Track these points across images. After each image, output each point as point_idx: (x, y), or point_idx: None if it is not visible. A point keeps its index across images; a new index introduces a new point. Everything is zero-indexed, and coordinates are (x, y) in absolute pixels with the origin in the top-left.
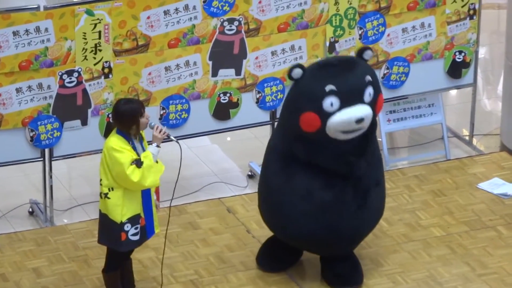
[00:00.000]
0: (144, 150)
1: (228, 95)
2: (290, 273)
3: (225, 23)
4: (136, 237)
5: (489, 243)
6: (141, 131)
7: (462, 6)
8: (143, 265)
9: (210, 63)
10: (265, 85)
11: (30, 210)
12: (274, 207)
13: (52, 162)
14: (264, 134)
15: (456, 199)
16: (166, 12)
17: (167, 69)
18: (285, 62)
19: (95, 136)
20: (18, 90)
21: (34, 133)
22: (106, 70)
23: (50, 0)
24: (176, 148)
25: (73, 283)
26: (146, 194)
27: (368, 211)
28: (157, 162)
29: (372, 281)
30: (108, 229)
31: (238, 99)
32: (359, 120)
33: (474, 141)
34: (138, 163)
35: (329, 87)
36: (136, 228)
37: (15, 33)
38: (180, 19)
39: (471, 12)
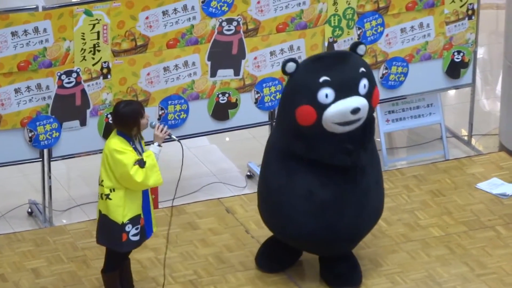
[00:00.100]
0: (143, 150)
1: (226, 95)
2: (289, 274)
3: (224, 23)
4: (137, 238)
5: (488, 243)
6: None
7: (461, 6)
8: (142, 266)
9: (209, 63)
10: (264, 85)
11: (29, 210)
12: (274, 207)
13: (51, 163)
14: (263, 135)
15: (455, 199)
16: (164, 13)
17: (165, 69)
18: None
19: (94, 137)
20: (16, 91)
21: (33, 133)
22: (104, 71)
23: (48, 0)
24: (174, 148)
25: (72, 283)
26: (145, 194)
27: (368, 211)
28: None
29: (371, 281)
30: (108, 229)
31: (236, 100)
32: (355, 110)
33: (473, 141)
34: (141, 163)
35: (323, 78)
36: (137, 229)
37: (13, 34)
38: (178, 20)
39: (470, 12)
